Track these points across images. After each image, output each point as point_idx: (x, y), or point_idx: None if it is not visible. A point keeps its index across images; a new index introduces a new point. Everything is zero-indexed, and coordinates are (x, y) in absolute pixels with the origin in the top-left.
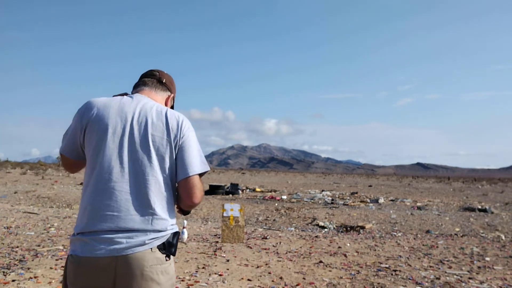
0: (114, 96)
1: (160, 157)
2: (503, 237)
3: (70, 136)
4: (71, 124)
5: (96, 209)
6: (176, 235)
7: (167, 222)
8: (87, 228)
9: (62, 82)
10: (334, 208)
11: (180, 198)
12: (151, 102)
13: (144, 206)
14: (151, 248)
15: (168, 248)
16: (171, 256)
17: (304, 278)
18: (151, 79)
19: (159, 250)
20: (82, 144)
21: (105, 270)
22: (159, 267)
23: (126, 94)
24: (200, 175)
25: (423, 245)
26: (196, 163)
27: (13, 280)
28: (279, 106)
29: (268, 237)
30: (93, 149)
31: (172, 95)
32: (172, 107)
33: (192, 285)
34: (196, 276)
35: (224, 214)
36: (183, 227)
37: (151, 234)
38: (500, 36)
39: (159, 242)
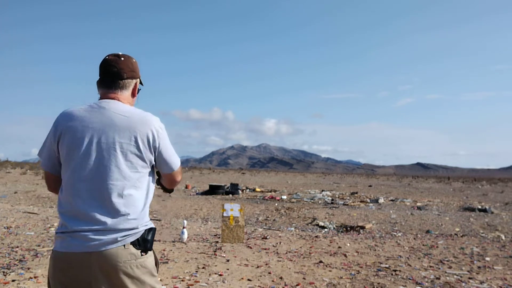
0: None
1: (129, 162)
2: (503, 237)
3: (47, 149)
4: (46, 138)
5: (71, 212)
6: (151, 231)
7: (138, 221)
8: (66, 229)
9: (63, 80)
10: (334, 208)
11: (165, 183)
12: (118, 107)
13: (113, 208)
14: (124, 245)
15: (143, 244)
16: (149, 251)
17: (304, 278)
18: (112, 79)
19: (134, 246)
20: (58, 157)
21: (80, 266)
22: (133, 262)
23: None
24: None
25: (423, 245)
26: (175, 161)
27: (13, 280)
28: (279, 106)
29: (268, 237)
30: (64, 160)
31: (137, 80)
32: (138, 89)
33: (192, 285)
34: (196, 276)
35: (224, 214)
36: (183, 227)
37: (122, 232)
38: (500, 36)
39: (132, 238)
